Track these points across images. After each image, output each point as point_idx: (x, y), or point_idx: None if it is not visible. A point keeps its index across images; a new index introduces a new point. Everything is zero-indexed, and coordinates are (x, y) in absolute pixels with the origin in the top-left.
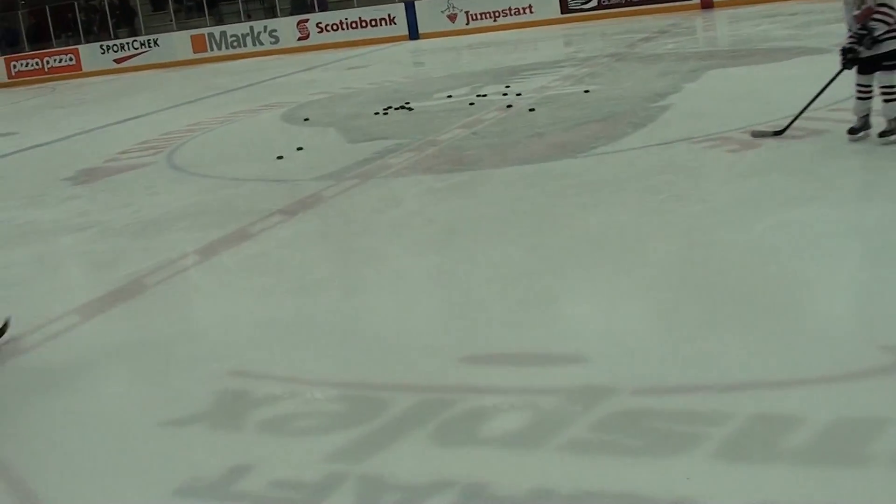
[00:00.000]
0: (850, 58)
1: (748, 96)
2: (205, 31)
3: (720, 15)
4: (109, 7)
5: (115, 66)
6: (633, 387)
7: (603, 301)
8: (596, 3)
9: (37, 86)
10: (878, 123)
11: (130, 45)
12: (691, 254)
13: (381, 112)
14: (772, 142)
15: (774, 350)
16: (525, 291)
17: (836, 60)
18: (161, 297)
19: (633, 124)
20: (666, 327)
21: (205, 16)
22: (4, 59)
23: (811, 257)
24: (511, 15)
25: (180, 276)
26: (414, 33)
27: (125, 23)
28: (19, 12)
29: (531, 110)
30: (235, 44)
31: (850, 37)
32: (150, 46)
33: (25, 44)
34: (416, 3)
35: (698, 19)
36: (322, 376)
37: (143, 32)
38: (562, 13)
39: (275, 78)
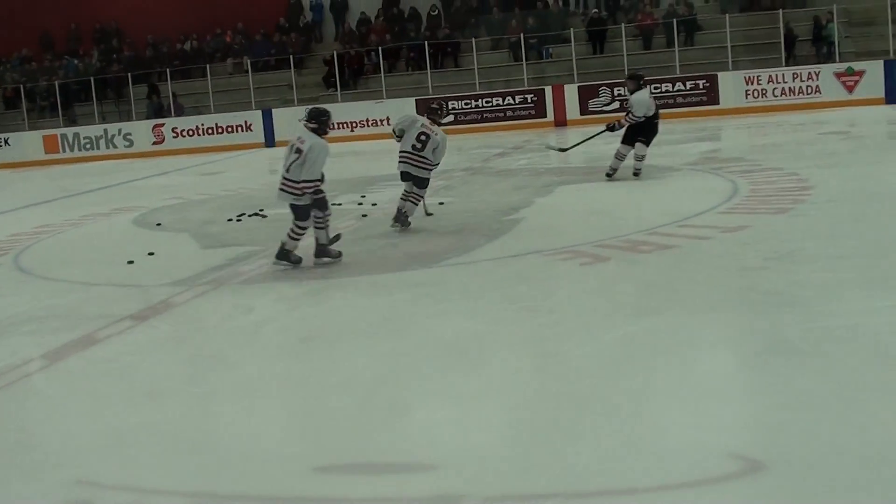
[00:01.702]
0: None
1: (599, 212)
2: (57, 131)
3: (573, 133)
4: None
5: None
6: (485, 494)
7: (455, 409)
8: (452, 118)
9: None
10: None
11: None
12: (542, 363)
13: (235, 219)
14: (622, 255)
15: (625, 457)
16: (378, 399)
17: (685, 178)
18: (2, 403)
19: (487, 236)
20: (517, 435)
21: (58, 116)
22: None
23: (660, 367)
24: (369, 126)
25: (24, 382)
26: (270, 141)
27: None
28: None
29: (429, 214)
30: (89, 146)
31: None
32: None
33: None
34: (272, 110)
35: (552, 136)
36: (170, 486)
37: None
38: None
39: (128, 181)
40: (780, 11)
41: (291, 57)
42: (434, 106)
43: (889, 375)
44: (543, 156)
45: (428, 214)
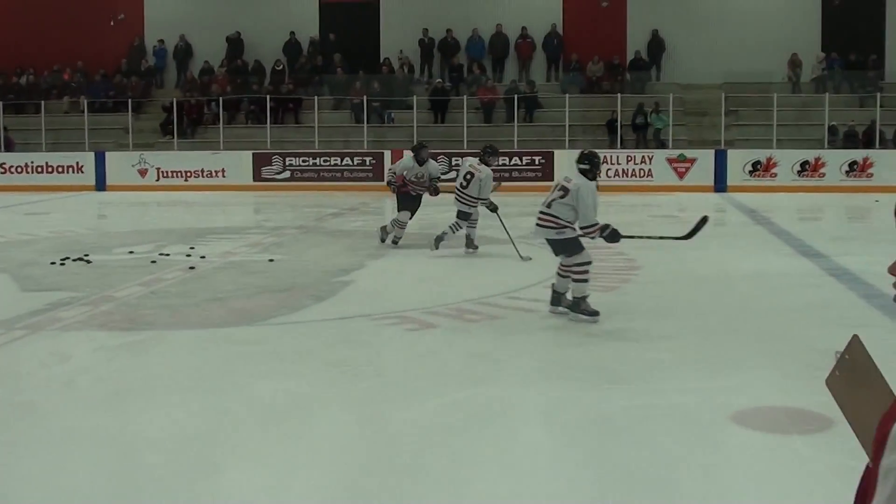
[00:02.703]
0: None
1: (429, 278)
2: None
3: None
4: None
5: None
6: None
7: (272, 471)
8: (289, 175)
9: None
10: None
11: None
12: (364, 428)
13: (59, 262)
14: (449, 323)
15: None
16: (191, 459)
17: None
18: None
19: (315, 297)
20: (334, 502)
21: None
22: None
23: (482, 437)
24: (204, 176)
25: None
26: (101, 184)
27: None
28: None
29: (524, 258)
30: None
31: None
32: None
33: None
34: (106, 153)
35: (388, 200)
36: None
37: None
38: (254, 180)
39: None
40: (619, 96)
41: (130, 100)
42: (488, 148)
43: (699, 453)
44: (378, 219)
45: (523, 258)
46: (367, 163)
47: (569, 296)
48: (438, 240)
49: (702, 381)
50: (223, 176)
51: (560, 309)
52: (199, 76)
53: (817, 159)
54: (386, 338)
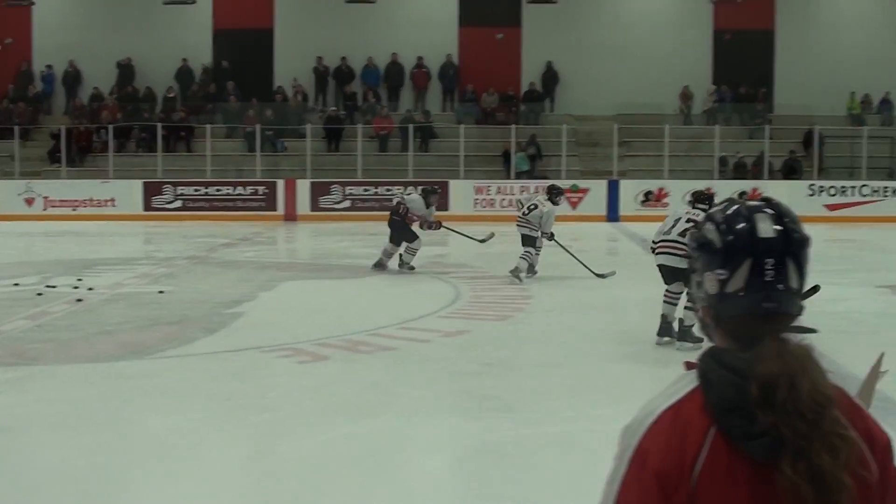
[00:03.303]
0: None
1: (321, 310)
2: None
3: (303, 228)
4: None
5: None
6: None
7: None
8: (180, 204)
9: None
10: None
11: None
12: (254, 463)
13: None
14: (341, 355)
15: None
16: (82, 494)
17: (410, 281)
18: None
19: (206, 329)
20: None
21: None
22: None
23: (375, 469)
24: (92, 206)
25: None
26: None
27: None
28: None
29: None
30: None
31: None
32: None
33: None
34: None
35: (281, 230)
36: None
37: None
38: (145, 210)
39: None
40: (514, 126)
41: (16, 127)
42: (555, 189)
43: (587, 481)
44: (271, 249)
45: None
46: (260, 192)
47: (675, 325)
48: (517, 271)
49: (591, 409)
50: (113, 205)
51: (665, 339)
52: (89, 102)
53: (708, 189)
54: (277, 370)
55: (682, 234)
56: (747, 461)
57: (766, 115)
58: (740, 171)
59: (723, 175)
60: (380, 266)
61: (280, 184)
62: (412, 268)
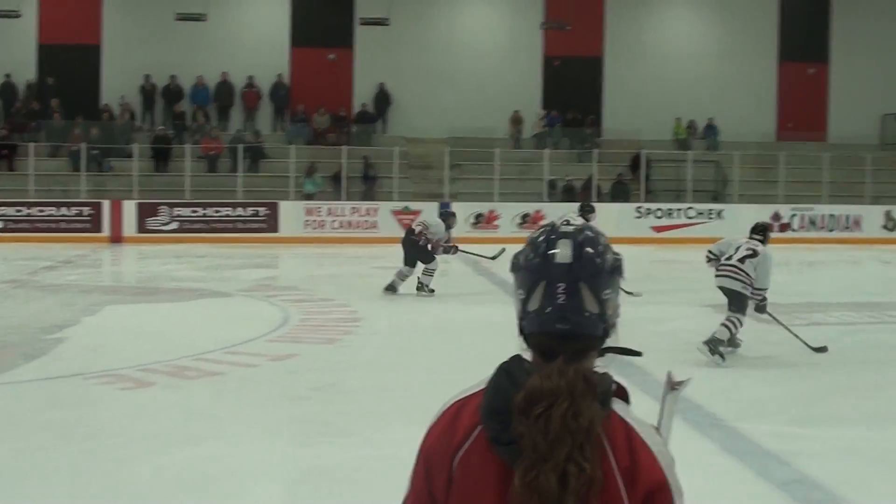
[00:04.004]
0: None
1: (146, 335)
2: None
3: (129, 250)
4: None
5: None
6: None
7: None
8: (1, 226)
9: None
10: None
11: None
12: (76, 494)
13: None
14: (166, 381)
15: None
16: None
17: (237, 304)
18: None
19: (26, 355)
20: None
21: None
22: None
23: (204, 497)
24: None
25: None
26: None
27: None
28: None
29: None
30: None
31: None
32: None
33: None
34: None
35: (107, 252)
36: None
37: None
38: None
39: None
40: (345, 148)
41: None
42: (587, 206)
43: None
44: (95, 272)
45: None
46: (85, 213)
47: (714, 335)
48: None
49: (422, 431)
50: None
51: (731, 349)
52: None
53: (537, 212)
54: (100, 398)
55: (742, 260)
56: (499, 462)
57: (594, 140)
58: (569, 194)
59: (552, 198)
60: (392, 289)
61: (106, 204)
62: (432, 291)
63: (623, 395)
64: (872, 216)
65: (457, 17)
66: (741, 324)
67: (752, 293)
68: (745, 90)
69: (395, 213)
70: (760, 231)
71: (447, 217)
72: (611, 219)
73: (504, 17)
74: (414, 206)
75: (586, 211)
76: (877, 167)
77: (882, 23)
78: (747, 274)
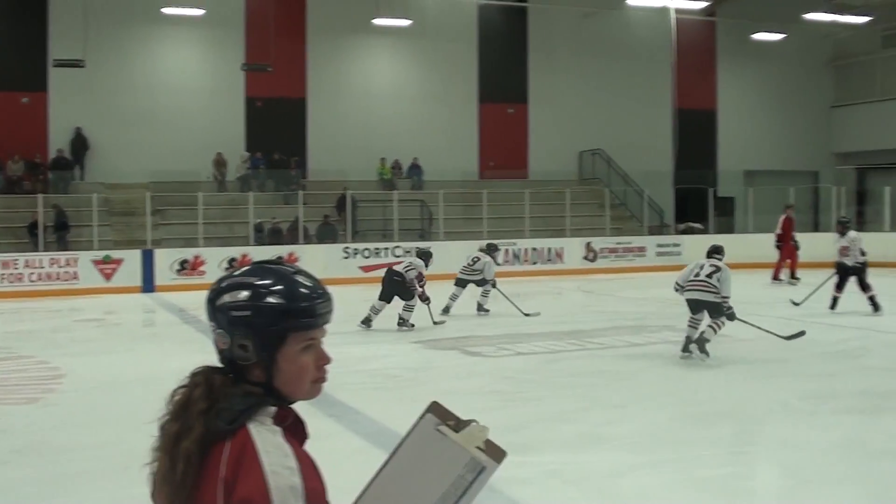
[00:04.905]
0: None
1: None
2: None
3: None
4: None
5: None
6: None
7: None
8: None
9: None
10: None
11: None
12: None
13: None
14: None
15: None
16: None
17: None
18: None
19: None
20: None
21: None
22: None
23: None
24: None
25: None
26: None
27: None
28: None
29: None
30: None
31: None
32: None
33: None
34: None
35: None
36: None
37: None
38: None
39: None
40: (41, 196)
41: None
42: (492, 246)
43: None
44: None
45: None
46: None
47: (703, 335)
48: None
49: (135, 488)
50: None
51: (686, 354)
52: None
53: (244, 256)
54: None
55: (709, 276)
56: None
57: (300, 181)
58: (276, 237)
59: (259, 241)
60: (367, 322)
61: None
62: (412, 325)
63: (283, 419)
64: (573, 248)
65: (156, 57)
66: (723, 324)
67: (721, 300)
68: (448, 130)
69: (96, 262)
70: (719, 252)
71: (428, 257)
72: (318, 260)
73: (205, 58)
74: (116, 254)
75: (493, 250)
76: (575, 201)
77: (574, 67)
78: (714, 286)
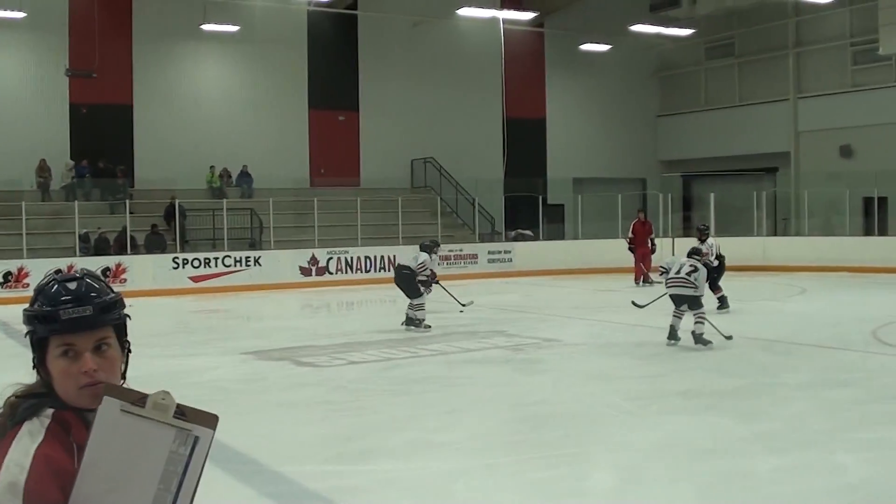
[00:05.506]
0: None
1: None
2: None
3: None
4: None
5: None
6: None
7: None
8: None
9: None
10: None
11: None
12: None
13: None
14: None
15: None
16: None
17: None
18: None
19: None
20: None
21: None
22: None
23: None
24: None
25: None
26: None
27: None
28: None
29: None
30: None
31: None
32: None
33: None
34: None
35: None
36: None
37: None
38: None
39: None
40: None
41: None
42: (432, 244)
43: None
44: None
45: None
46: None
47: (697, 331)
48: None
49: None
50: None
51: (672, 342)
52: None
53: (70, 266)
54: None
55: (689, 273)
56: None
57: (127, 190)
58: (103, 247)
59: (85, 251)
60: (412, 322)
61: None
62: (428, 326)
63: (63, 421)
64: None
65: None
66: (704, 314)
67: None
68: (278, 138)
69: None
70: (697, 253)
71: (430, 248)
72: (147, 271)
73: (27, 63)
74: None
75: (431, 247)
76: (407, 209)
77: (405, 75)
78: (693, 283)
